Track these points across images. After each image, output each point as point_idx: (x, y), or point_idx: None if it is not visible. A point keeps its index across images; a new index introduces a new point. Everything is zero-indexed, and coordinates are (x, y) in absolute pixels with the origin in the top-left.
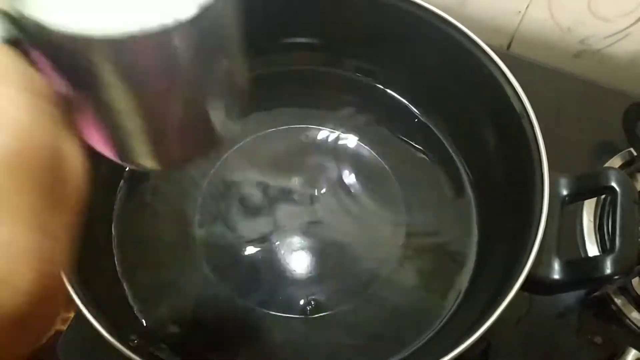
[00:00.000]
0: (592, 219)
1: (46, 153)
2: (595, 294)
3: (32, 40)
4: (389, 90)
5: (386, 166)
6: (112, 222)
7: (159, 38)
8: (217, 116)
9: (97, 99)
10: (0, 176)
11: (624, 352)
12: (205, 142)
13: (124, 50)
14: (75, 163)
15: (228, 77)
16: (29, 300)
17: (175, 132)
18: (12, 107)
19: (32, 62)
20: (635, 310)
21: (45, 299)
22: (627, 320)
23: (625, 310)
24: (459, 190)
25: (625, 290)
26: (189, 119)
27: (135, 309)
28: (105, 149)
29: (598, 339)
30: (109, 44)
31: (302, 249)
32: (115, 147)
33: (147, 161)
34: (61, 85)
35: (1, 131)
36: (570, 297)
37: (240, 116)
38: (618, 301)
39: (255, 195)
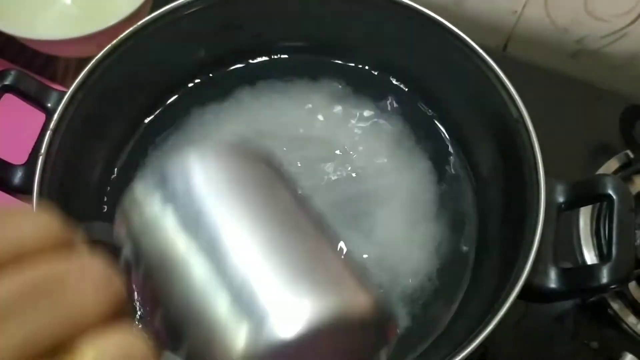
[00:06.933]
0: (588, 223)
1: None
2: (591, 298)
3: None
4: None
5: None
6: None
7: None
8: None
9: None
10: None
11: (620, 357)
12: None
13: None
14: None
15: None
16: None
17: None
18: None
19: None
20: (632, 315)
21: None
22: (624, 325)
23: (621, 315)
24: None
25: (622, 295)
26: None
27: None
28: None
29: (594, 344)
30: None
31: None
32: None
33: None
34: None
35: None
36: (567, 302)
37: None
38: (615, 306)
39: None
